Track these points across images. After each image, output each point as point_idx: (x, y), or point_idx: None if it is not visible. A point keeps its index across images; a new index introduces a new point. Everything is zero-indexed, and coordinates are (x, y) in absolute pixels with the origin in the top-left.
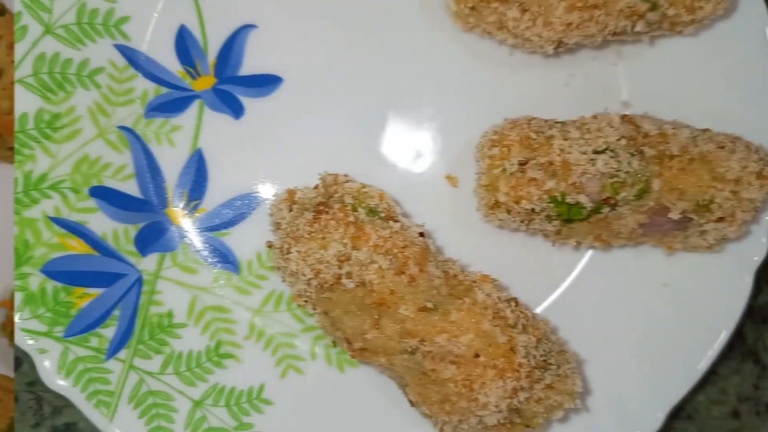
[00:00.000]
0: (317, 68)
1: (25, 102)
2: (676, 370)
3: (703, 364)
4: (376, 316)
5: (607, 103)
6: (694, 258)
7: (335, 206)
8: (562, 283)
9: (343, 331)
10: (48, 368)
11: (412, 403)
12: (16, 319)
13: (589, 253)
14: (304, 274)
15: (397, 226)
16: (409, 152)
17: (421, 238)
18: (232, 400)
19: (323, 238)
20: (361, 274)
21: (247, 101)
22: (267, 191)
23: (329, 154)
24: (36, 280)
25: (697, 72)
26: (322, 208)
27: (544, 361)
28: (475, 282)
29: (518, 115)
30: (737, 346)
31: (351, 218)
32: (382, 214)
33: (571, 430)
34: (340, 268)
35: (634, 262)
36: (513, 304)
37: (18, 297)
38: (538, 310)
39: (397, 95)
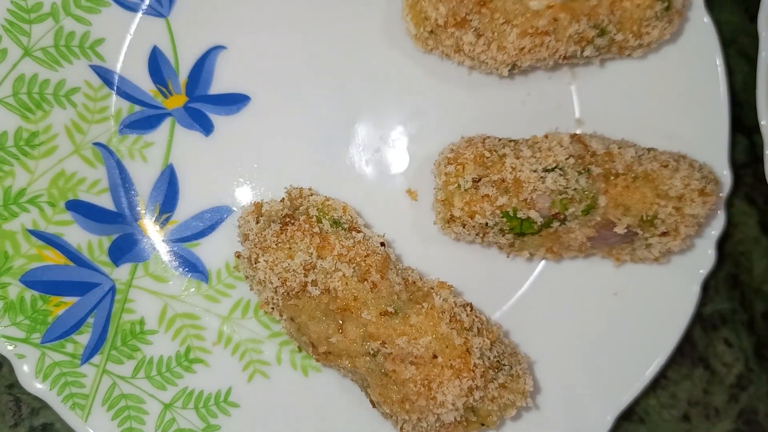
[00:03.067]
0: (284, 87)
1: (5, 121)
2: (625, 376)
3: (651, 370)
4: (340, 321)
5: (561, 120)
6: (643, 269)
7: (301, 218)
8: (516, 291)
9: (309, 335)
10: (26, 372)
11: (373, 404)
12: None
13: (542, 263)
14: (271, 282)
15: (359, 236)
16: (372, 167)
17: (382, 248)
18: (200, 402)
19: (290, 248)
20: (325, 281)
21: (216, 119)
22: (235, 204)
23: (295, 169)
24: (15, 290)
25: (645, 92)
26: (288, 219)
27: (498, 362)
28: (432, 288)
29: (477, 131)
30: (688, 352)
31: (316, 229)
32: (346, 225)
33: (522, 428)
34: (305, 276)
35: (585, 272)
36: (468, 308)
37: None
38: (494, 317)
39: (360, 113)
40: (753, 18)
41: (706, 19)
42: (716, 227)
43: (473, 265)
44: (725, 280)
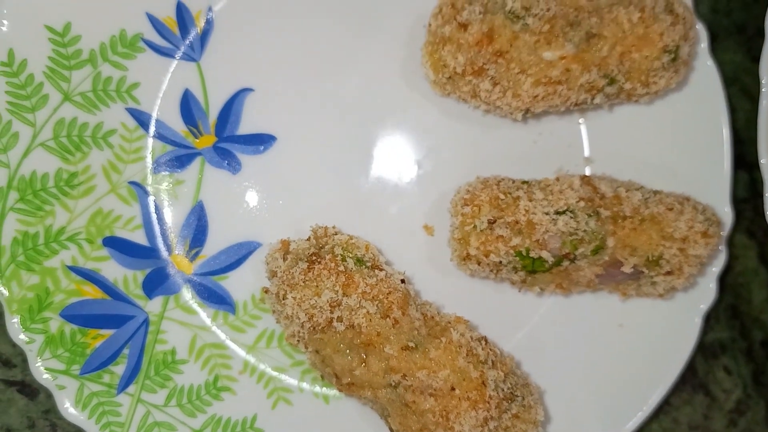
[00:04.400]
0: (308, 128)
1: (46, 163)
2: (630, 403)
3: (654, 398)
4: (364, 355)
5: (571, 158)
6: (648, 302)
7: (327, 257)
8: (527, 324)
9: (333, 367)
10: (66, 403)
11: None
12: (38, 361)
13: (552, 297)
14: (298, 318)
15: (381, 274)
16: (391, 202)
17: (402, 285)
18: (228, 429)
19: (317, 286)
20: (350, 317)
21: (244, 158)
22: (261, 239)
23: (319, 206)
24: (55, 324)
25: (651, 132)
26: (314, 258)
27: (511, 393)
28: (450, 323)
29: (490, 169)
30: (689, 379)
31: (341, 268)
32: (369, 264)
33: None
34: (331, 312)
35: (593, 306)
36: (483, 342)
37: (39, 339)
38: (507, 348)
39: (379, 152)
40: (755, 58)
41: (710, 63)
42: (718, 264)
43: (486, 299)
44: (725, 310)
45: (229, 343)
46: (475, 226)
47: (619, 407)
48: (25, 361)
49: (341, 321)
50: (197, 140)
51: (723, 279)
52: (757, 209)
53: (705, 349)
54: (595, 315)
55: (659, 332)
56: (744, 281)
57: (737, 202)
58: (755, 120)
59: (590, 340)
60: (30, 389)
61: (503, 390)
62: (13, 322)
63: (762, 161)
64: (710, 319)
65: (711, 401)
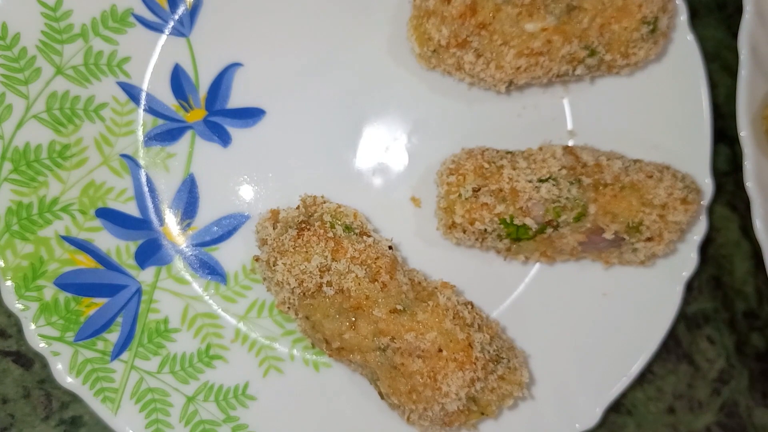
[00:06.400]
0: (297, 102)
1: (39, 135)
2: (613, 370)
3: (638, 365)
4: (353, 319)
5: (555, 131)
6: (630, 271)
7: (316, 224)
8: (512, 292)
9: (323, 332)
10: (61, 369)
11: (382, 396)
12: (32, 326)
13: (536, 266)
14: (289, 284)
15: (369, 240)
16: (379, 175)
17: (390, 251)
18: (220, 396)
19: (306, 252)
20: (339, 282)
21: (234, 131)
22: (252, 211)
23: (307, 178)
24: (50, 292)
25: (633, 106)
26: (304, 225)
27: (497, 355)
28: (437, 288)
29: (476, 143)
30: (673, 349)
31: (330, 234)
32: (357, 231)
33: (519, 418)
34: (321, 277)
35: (576, 274)
36: (469, 306)
37: (34, 307)
38: (492, 315)
39: (367, 125)
40: (735, 34)
41: (690, 37)
42: (698, 232)
43: (473, 268)
44: (708, 282)
45: (220, 312)
46: (460, 195)
47: (603, 374)
48: (20, 331)
49: (330, 285)
50: (188, 114)
51: (705, 251)
52: (738, 182)
53: (689, 320)
54: (579, 284)
55: (642, 300)
56: (726, 253)
57: (719, 175)
58: (735, 95)
59: (575, 308)
60: (25, 359)
61: (489, 352)
62: (8, 288)
63: (741, 133)
64: (693, 290)
65: (695, 371)
